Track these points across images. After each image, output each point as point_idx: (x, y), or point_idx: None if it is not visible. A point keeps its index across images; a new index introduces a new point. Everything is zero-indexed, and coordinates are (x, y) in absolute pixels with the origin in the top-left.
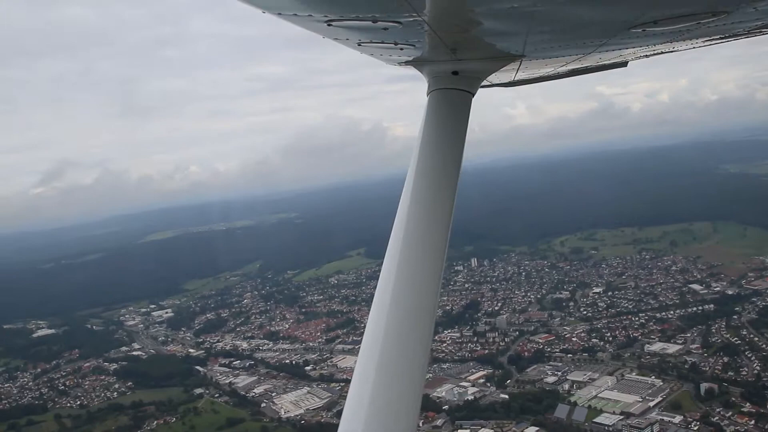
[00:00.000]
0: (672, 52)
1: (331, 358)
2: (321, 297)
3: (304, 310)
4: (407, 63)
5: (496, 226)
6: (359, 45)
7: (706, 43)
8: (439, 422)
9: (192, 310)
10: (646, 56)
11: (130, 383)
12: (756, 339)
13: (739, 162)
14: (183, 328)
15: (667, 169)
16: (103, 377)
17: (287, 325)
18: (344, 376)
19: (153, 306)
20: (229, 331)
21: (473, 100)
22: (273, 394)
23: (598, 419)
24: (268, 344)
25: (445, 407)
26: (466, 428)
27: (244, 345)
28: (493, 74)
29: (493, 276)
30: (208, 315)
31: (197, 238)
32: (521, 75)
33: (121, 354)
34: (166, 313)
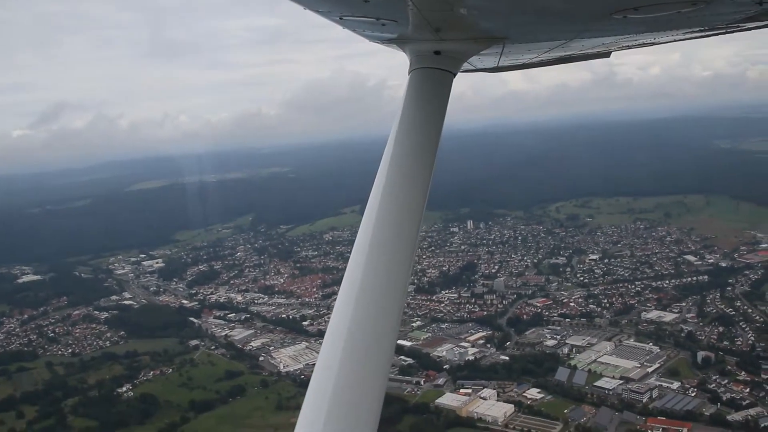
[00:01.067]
0: (653, 44)
1: (328, 314)
2: (316, 253)
3: (299, 265)
4: (390, 41)
5: (492, 189)
6: (341, 19)
7: (686, 36)
8: (440, 381)
9: (184, 261)
10: (629, 47)
11: (122, 332)
12: (749, 310)
13: (731, 138)
14: (175, 279)
15: (661, 142)
16: (93, 325)
17: (282, 280)
18: None
19: (143, 255)
20: (222, 284)
21: (455, 80)
22: (271, 348)
23: (598, 383)
24: (263, 298)
25: (446, 366)
26: (467, 387)
27: (239, 298)
28: (477, 57)
29: (489, 239)
30: (200, 266)
31: (187, 188)
32: (505, 60)
33: (111, 303)
34: (157, 263)
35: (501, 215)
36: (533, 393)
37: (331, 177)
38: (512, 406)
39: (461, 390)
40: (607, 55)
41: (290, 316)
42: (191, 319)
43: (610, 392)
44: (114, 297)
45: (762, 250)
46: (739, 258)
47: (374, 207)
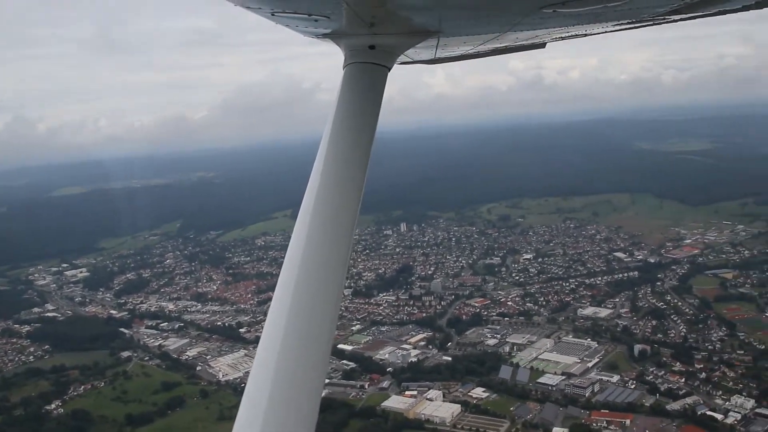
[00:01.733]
0: (585, 35)
1: (266, 320)
2: (248, 258)
3: (231, 271)
4: (324, 36)
5: (423, 191)
6: (273, 15)
7: (617, 28)
8: (385, 384)
9: (110, 269)
10: (562, 38)
11: (47, 346)
12: (679, 304)
13: (650, 139)
14: (101, 289)
15: (585, 143)
16: (14, 340)
17: (215, 287)
18: None
19: (65, 265)
20: (152, 292)
21: (389, 75)
22: (208, 357)
23: (541, 380)
24: (196, 306)
25: (390, 369)
26: (413, 389)
27: (171, 306)
28: (413, 50)
29: (423, 241)
30: (128, 275)
31: (111, 194)
32: (441, 53)
33: (33, 315)
34: (81, 272)
35: (433, 217)
36: (478, 392)
37: (262, 181)
38: (459, 406)
39: (407, 392)
40: (542, 46)
41: (226, 324)
42: (121, 329)
43: (553, 388)
44: (36, 309)
45: (686, 246)
46: (666, 254)
47: (309, 205)
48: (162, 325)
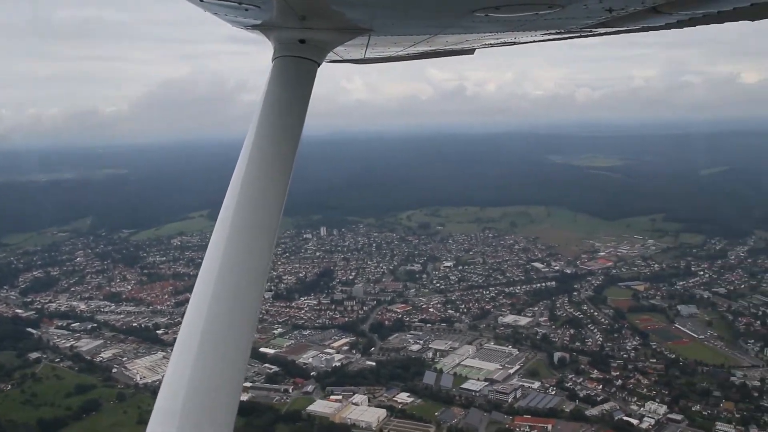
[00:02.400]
0: (515, 44)
1: (183, 320)
2: (164, 258)
3: (146, 271)
4: (253, 27)
5: (343, 196)
6: (202, 1)
7: (545, 37)
8: (309, 388)
9: (14, 266)
10: (492, 45)
11: None
12: (595, 313)
13: (563, 154)
14: (5, 287)
15: (501, 155)
16: None
17: (129, 287)
18: None
19: None
20: (62, 291)
21: (319, 70)
22: (124, 359)
23: (465, 385)
24: (110, 306)
25: (313, 373)
26: (337, 394)
27: (82, 306)
28: (343, 48)
29: (343, 245)
30: (35, 273)
31: (14, 188)
32: (371, 52)
33: None
34: None
35: (353, 222)
36: (403, 397)
37: (178, 180)
38: (384, 410)
39: (331, 397)
40: (471, 51)
41: (142, 325)
42: (29, 329)
43: (477, 394)
44: None
45: (601, 258)
46: (581, 265)
47: (232, 201)
48: (73, 325)
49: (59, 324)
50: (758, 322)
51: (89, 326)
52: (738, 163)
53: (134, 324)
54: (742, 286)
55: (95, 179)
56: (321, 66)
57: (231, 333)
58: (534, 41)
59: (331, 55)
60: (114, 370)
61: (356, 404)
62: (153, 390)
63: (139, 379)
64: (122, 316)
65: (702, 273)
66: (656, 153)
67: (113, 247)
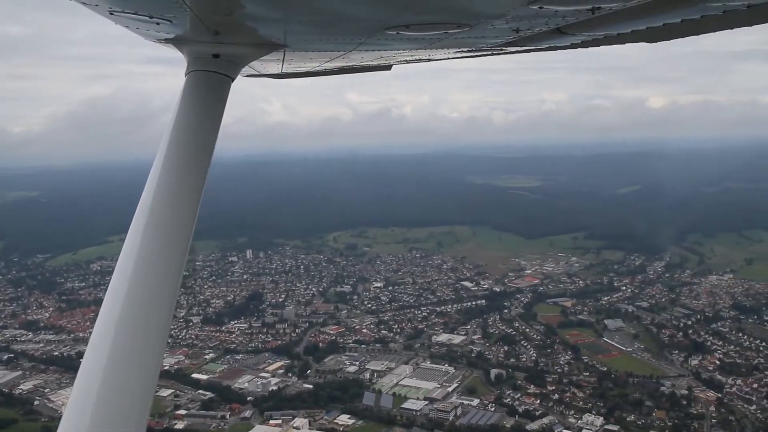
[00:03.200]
0: (430, 60)
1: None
2: (83, 284)
3: (65, 297)
4: (166, 41)
5: (267, 218)
6: (111, 14)
7: (458, 55)
8: (247, 413)
9: None
10: (407, 61)
11: None
12: (527, 330)
13: (483, 174)
14: None
15: (423, 176)
16: None
17: (47, 314)
18: None
19: None
20: None
21: (239, 87)
22: (46, 390)
23: (405, 405)
24: (27, 335)
25: (250, 398)
26: (277, 418)
27: None
28: (259, 63)
29: (271, 268)
30: None
31: None
32: (288, 67)
33: None
34: None
35: (280, 244)
36: (344, 419)
37: (94, 203)
38: None
39: (271, 421)
40: (388, 67)
41: (64, 354)
42: None
43: (418, 413)
44: None
45: (527, 276)
46: (509, 283)
47: (143, 215)
48: None
49: None
50: (680, 333)
51: (5, 357)
52: (648, 183)
53: (55, 353)
54: (663, 299)
55: (5, 202)
56: (238, 81)
57: (141, 348)
58: (448, 58)
59: (248, 70)
60: (36, 403)
61: (297, 428)
62: None
63: (64, 411)
64: (41, 345)
65: (624, 288)
66: (570, 173)
67: (27, 272)
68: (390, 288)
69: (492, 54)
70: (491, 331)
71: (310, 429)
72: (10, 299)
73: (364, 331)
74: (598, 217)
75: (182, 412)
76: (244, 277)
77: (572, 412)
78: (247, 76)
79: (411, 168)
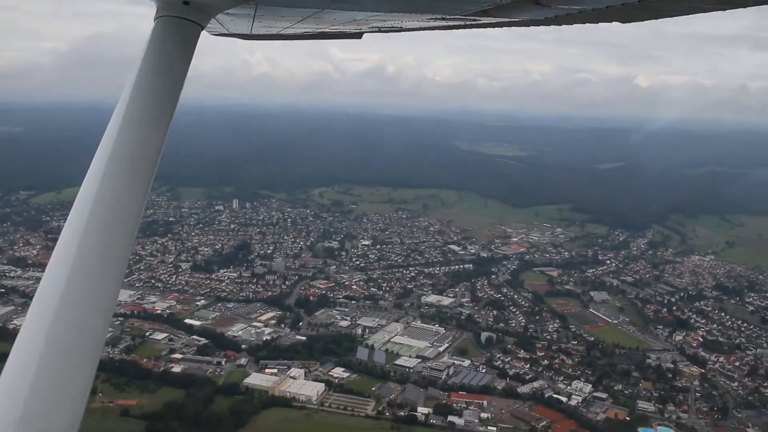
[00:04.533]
0: (401, 30)
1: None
2: None
3: (51, 236)
4: None
5: (253, 170)
6: None
7: (430, 24)
8: (242, 361)
9: None
10: (379, 29)
11: None
12: (515, 296)
13: (469, 141)
14: None
15: (409, 138)
16: None
17: (35, 252)
18: (121, 310)
19: None
20: None
21: (202, 35)
22: None
23: (398, 362)
24: (15, 271)
25: (245, 346)
26: (272, 367)
27: None
28: (229, 20)
29: (258, 219)
30: None
31: None
32: (259, 26)
33: None
34: None
35: (265, 196)
36: (338, 372)
37: (80, 141)
38: (323, 384)
39: (267, 370)
40: (358, 36)
41: None
42: None
43: (411, 370)
44: None
45: (513, 244)
46: (496, 249)
47: (103, 157)
48: None
49: None
50: (665, 309)
51: None
52: (631, 160)
53: None
54: (647, 275)
55: None
56: (211, 39)
57: (93, 292)
58: (420, 28)
59: (217, 27)
60: None
61: (294, 378)
62: None
63: None
64: (32, 282)
65: (609, 262)
66: (555, 145)
67: (11, 209)
68: (378, 246)
69: (465, 26)
70: (480, 295)
71: (305, 379)
72: None
73: (354, 287)
74: (582, 190)
75: (177, 356)
76: (231, 226)
77: (561, 378)
78: (215, 34)
79: (396, 129)
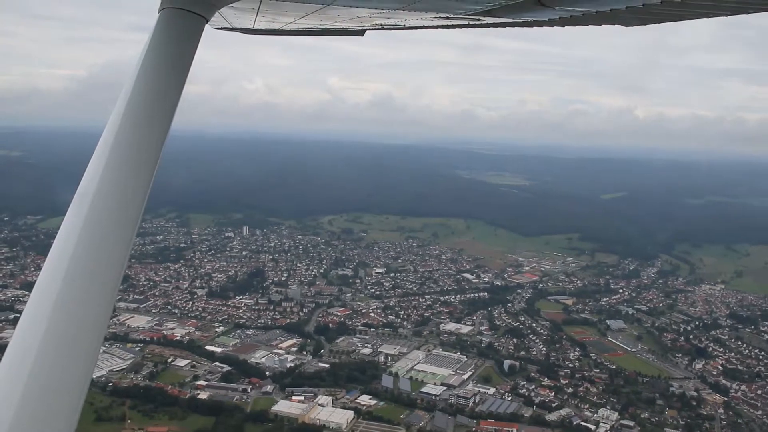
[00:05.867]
0: (405, 28)
1: (117, 315)
2: None
3: None
4: None
5: (261, 197)
6: None
7: (434, 23)
8: (268, 388)
9: None
10: (382, 26)
11: None
12: (534, 324)
13: (468, 169)
14: None
15: (412, 167)
16: None
17: None
18: (140, 336)
19: None
20: None
21: (206, 27)
22: None
23: (424, 389)
24: (28, 295)
25: (269, 373)
26: (299, 395)
27: None
28: (233, 13)
29: (269, 246)
30: None
31: None
32: (262, 20)
33: None
34: None
35: (275, 223)
36: (365, 399)
37: (77, 165)
38: (351, 412)
39: (294, 397)
40: (361, 33)
41: None
42: None
43: (437, 398)
44: None
45: (526, 272)
46: (509, 278)
47: (102, 156)
48: None
49: None
50: (681, 338)
51: (11, 316)
52: (633, 191)
53: None
54: (660, 304)
55: None
56: (215, 33)
57: (82, 321)
58: (424, 26)
59: (220, 21)
60: None
61: (322, 405)
62: (101, 386)
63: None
64: None
65: (621, 291)
66: (555, 175)
67: (20, 233)
68: (392, 274)
69: (469, 25)
70: (497, 323)
71: (333, 407)
72: (6, 258)
73: (371, 314)
74: (588, 220)
75: (202, 383)
76: (243, 253)
77: (587, 405)
78: (219, 28)
79: (396, 157)
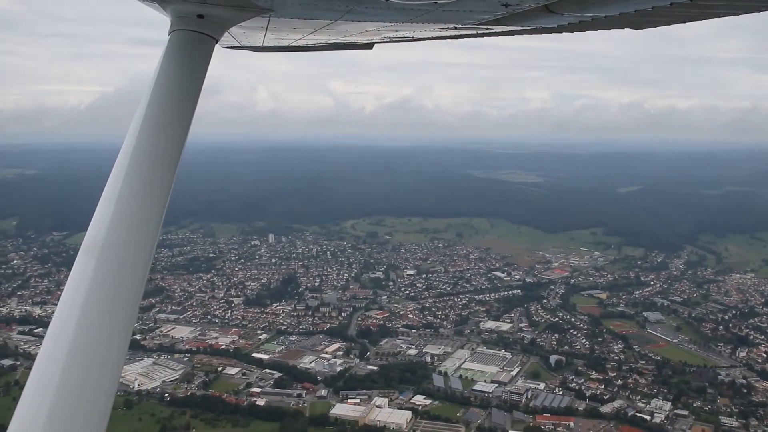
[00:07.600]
0: (413, 39)
1: (159, 327)
2: None
3: None
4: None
5: (282, 204)
6: None
7: (443, 33)
8: (322, 392)
9: None
10: (391, 39)
11: None
12: (572, 319)
13: (481, 169)
14: None
15: (426, 169)
16: None
17: None
18: (186, 346)
19: None
20: (7, 295)
21: (216, 48)
22: None
23: (476, 387)
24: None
25: (320, 378)
26: (354, 397)
27: (38, 311)
28: (242, 32)
29: (297, 253)
30: None
31: None
32: (271, 38)
33: None
34: None
35: (299, 230)
36: (420, 399)
37: (96, 181)
38: (409, 412)
39: (349, 400)
40: (369, 46)
41: None
42: None
43: (490, 395)
44: None
45: (556, 268)
46: (540, 275)
47: (121, 170)
48: (36, 330)
49: (20, 330)
50: (721, 327)
51: None
52: (649, 183)
53: None
54: (694, 295)
55: (3, 179)
56: (223, 51)
57: (109, 323)
58: (432, 37)
59: (230, 40)
60: None
61: (379, 407)
62: (159, 397)
63: (136, 385)
64: None
65: (653, 283)
66: (568, 171)
67: (49, 250)
68: (423, 276)
69: (477, 35)
70: (536, 319)
71: (390, 408)
72: (40, 275)
73: (410, 316)
74: (609, 214)
75: (257, 389)
76: (273, 260)
77: (638, 397)
78: (228, 47)
79: (409, 159)
